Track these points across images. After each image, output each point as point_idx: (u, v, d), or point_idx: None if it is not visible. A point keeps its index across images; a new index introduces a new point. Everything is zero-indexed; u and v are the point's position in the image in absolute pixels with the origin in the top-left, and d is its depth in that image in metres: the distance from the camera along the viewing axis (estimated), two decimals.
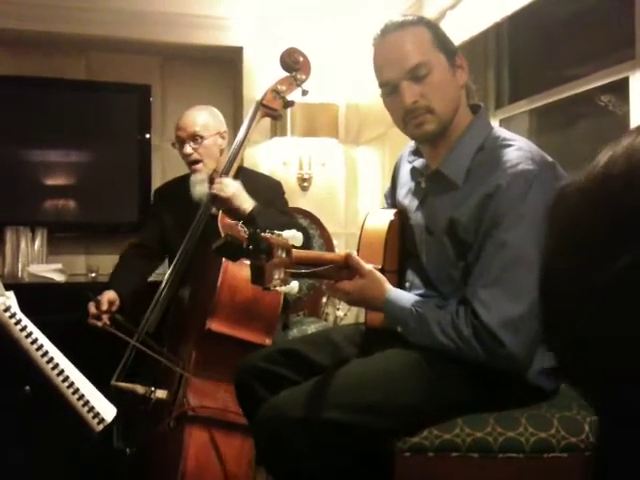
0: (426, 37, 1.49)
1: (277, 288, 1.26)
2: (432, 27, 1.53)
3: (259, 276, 1.24)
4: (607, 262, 0.52)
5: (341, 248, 3.42)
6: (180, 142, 2.55)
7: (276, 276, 1.24)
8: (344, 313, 3.37)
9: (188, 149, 2.52)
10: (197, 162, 2.52)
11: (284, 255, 1.26)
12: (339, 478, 1.38)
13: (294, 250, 1.30)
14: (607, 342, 0.52)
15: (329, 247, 3.21)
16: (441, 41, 1.52)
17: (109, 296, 2.43)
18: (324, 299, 3.29)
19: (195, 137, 2.51)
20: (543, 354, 1.44)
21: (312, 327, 2.77)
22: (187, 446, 2.08)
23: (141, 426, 2.32)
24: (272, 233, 1.27)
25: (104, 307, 2.38)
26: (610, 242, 0.52)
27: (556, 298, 0.56)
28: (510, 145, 1.46)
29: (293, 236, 1.29)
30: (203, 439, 2.12)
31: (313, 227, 3.20)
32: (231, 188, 2.32)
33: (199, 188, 2.49)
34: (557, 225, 0.58)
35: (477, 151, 1.50)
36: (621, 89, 2.16)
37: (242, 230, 2.14)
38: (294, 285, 1.32)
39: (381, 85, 1.54)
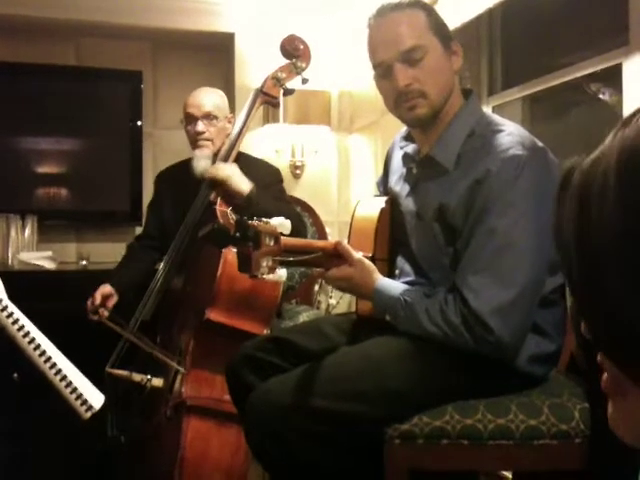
0: (422, 20, 1.48)
1: (265, 276, 1.25)
2: (429, 11, 1.51)
3: (246, 264, 1.23)
4: (606, 230, 0.51)
5: (334, 236, 3.41)
6: (191, 119, 2.52)
7: (264, 264, 1.23)
8: (336, 301, 3.36)
9: (201, 126, 2.49)
10: (207, 140, 2.50)
11: (272, 243, 1.25)
12: (329, 466, 1.38)
13: (283, 238, 1.29)
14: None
15: (322, 235, 3.20)
16: (437, 26, 1.50)
17: (103, 290, 2.45)
18: (316, 287, 3.28)
19: (209, 116, 2.50)
20: (532, 341, 1.44)
21: (304, 315, 2.76)
22: (185, 435, 2.08)
23: (136, 414, 2.32)
24: (260, 220, 1.25)
25: (97, 302, 2.40)
26: (609, 211, 0.51)
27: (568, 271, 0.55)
28: (501, 130, 1.45)
29: (281, 223, 1.28)
30: (200, 429, 2.12)
31: (305, 215, 3.19)
32: (227, 170, 2.31)
33: (203, 163, 2.45)
34: (562, 202, 0.57)
35: (468, 136, 1.49)
36: (613, 76, 2.14)
37: (231, 217, 2.13)
38: (282, 273, 1.31)
39: (375, 66, 1.53)
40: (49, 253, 3.25)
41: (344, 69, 3.59)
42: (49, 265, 3.18)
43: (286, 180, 3.54)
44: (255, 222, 1.24)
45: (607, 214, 0.50)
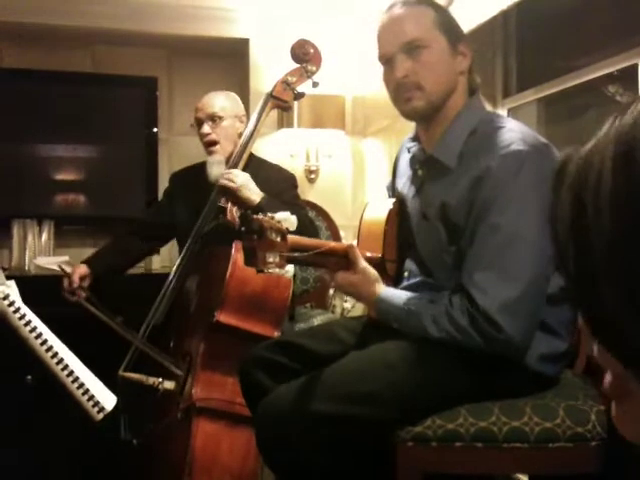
0: (429, 16, 1.50)
1: (271, 270, 1.25)
2: (438, 9, 1.53)
3: (252, 257, 1.23)
4: (603, 226, 0.49)
5: (348, 240, 3.38)
6: (198, 123, 2.55)
7: (270, 259, 1.23)
8: (351, 305, 3.35)
9: (206, 128, 2.50)
10: (214, 143, 2.51)
11: (278, 239, 1.25)
12: (336, 469, 1.37)
13: (291, 236, 1.29)
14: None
15: (336, 239, 3.19)
16: (446, 24, 1.51)
17: (80, 271, 2.50)
18: (331, 291, 3.27)
19: (213, 118, 2.50)
20: (542, 340, 1.43)
21: (318, 319, 2.75)
22: (195, 438, 2.07)
23: (148, 417, 2.32)
24: (265, 215, 1.26)
25: (75, 283, 2.45)
26: (604, 204, 0.50)
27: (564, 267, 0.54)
28: (502, 127, 1.45)
29: (285, 218, 1.28)
30: (211, 431, 2.11)
31: (319, 219, 3.18)
32: (240, 179, 2.30)
33: (216, 169, 2.45)
34: (558, 192, 0.55)
35: (470, 135, 1.49)
36: (629, 78, 2.12)
37: (236, 214, 2.13)
38: (289, 268, 1.31)
39: (379, 58, 1.56)
40: (66, 258, 3.26)
41: (358, 73, 3.59)
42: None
43: (301, 184, 3.54)
44: (260, 216, 1.25)
45: (603, 210, 0.48)
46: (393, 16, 1.52)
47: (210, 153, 2.52)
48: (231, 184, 2.28)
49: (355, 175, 3.75)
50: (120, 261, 2.69)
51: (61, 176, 3.60)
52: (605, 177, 0.48)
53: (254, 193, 2.29)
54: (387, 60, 1.52)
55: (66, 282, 2.47)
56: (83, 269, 2.51)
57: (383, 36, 1.54)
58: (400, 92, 1.51)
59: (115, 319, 2.35)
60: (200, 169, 2.55)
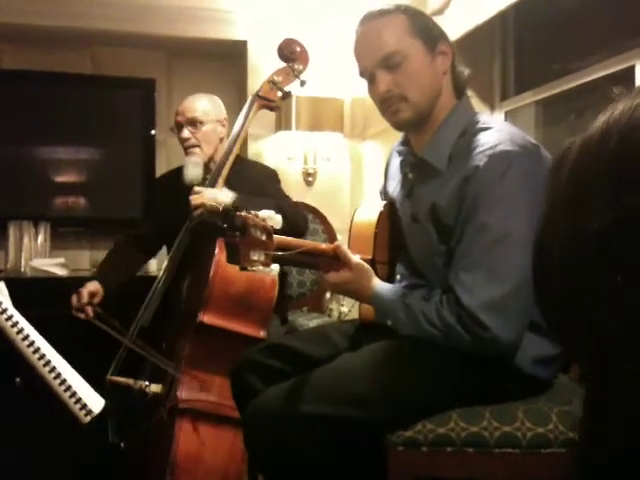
0: (402, 25, 1.49)
1: (254, 268, 1.24)
2: (411, 14, 1.51)
3: (234, 255, 1.22)
4: (597, 215, 0.48)
5: (345, 243, 3.38)
6: (178, 127, 2.52)
7: (255, 257, 1.22)
8: (348, 309, 3.33)
9: (186, 133, 2.48)
10: (194, 147, 2.49)
11: (264, 237, 1.23)
12: (328, 472, 1.35)
13: (278, 236, 1.28)
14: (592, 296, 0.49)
15: (332, 242, 3.17)
16: (420, 28, 1.50)
17: (90, 288, 2.40)
18: (328, 295, 3.25)
19: (194, 122, 2.48)
20: (535, 342, 1.41)
21: (314, 322, 2.73)
22: (177, 439, 2.07)
23: (136, 420, 2.30)
24: (249, 213, 1.24)
25: (84, 299, 2.35)
26: (600, 195, 0.49)
27: (548, 254, 0.53)
28: (490, 128, 1.45)
29: (270, 216, 1.27)
30: (194, 432, 2.10)
31: (316, 222, 3.17)
32: (199, 200, 2.25)
33: (192, 170, 2.44)
34: (555, 182, 0.55)
35: (459, 136, 1.49)
36: (629, 79, 2.11)
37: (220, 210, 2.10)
38: (274, 267, 1.29)
39: (360, 74, 1.56)
40: (61, 260, 3.26)
41: (357, 76, 3.57)
42: (60, 272, 3.19)
43: (298, 187, 3.54)
44: (243, 213, 1.23)
45: (596, 200, 0.47)
46: (366, 30, 1.52)
47: (188, 154, 2.50)
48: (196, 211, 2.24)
49: (353, 178, 3.73)
50: (126, 275, 2.60)
51: (58, 177, 3.59)
52: (601, 167, 0.47)
53: (223, 198, 2.23)
54: (369, 76, 1.52)
55: (75, 299, 2.38)
56: (94, 286, 2.42)
57: (360, 52, 1.54)
58: (386, 106, 1.51)
59: (127, 336, 2.28)
60: (180, 172, 2.53)
